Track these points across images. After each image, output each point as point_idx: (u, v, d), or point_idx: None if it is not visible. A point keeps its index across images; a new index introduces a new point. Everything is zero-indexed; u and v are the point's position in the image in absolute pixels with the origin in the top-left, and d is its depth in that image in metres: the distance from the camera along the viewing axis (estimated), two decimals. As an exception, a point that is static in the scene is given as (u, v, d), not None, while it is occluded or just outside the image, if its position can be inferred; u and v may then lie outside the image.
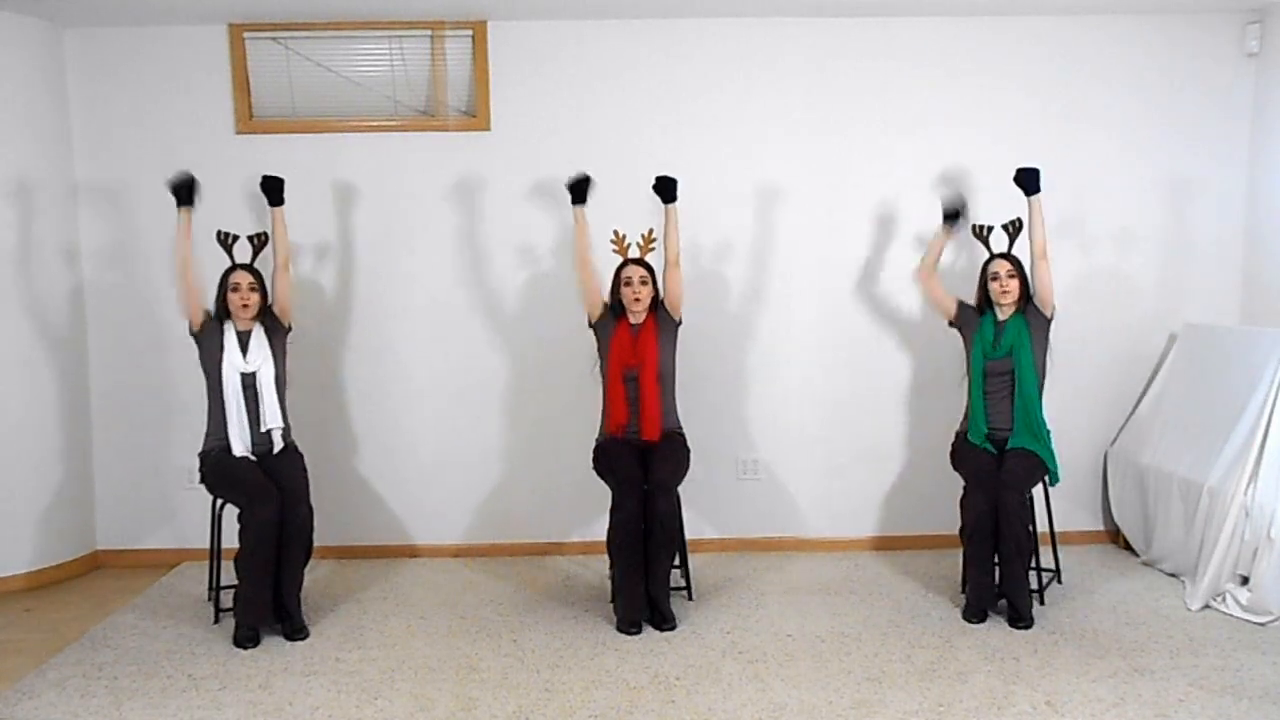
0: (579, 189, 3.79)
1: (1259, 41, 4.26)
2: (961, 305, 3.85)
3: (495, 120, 4.31)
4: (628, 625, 3.48)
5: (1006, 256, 3.72)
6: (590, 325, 3.81)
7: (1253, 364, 3.72)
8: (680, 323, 3.81)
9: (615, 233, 3.85)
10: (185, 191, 3.63)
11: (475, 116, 4.31)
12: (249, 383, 3.60)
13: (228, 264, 3.68)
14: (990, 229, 3.89)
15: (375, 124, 4.30)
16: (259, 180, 3.76)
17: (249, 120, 4.29)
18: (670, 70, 4.30)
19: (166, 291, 4.33)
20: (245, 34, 4.24)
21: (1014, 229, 3.81)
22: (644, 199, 4.31)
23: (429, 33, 4.26)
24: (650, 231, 3.84)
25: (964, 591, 3.65)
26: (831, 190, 4.36)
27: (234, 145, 4.29)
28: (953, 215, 3.82)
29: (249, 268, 3.67)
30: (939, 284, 3.91)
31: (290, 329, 3.79)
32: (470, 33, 4.26)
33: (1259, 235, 4.32)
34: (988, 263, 3.76)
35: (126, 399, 4.36)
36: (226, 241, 3.77)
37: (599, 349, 3.79)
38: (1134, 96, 4.34)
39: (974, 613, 3.55)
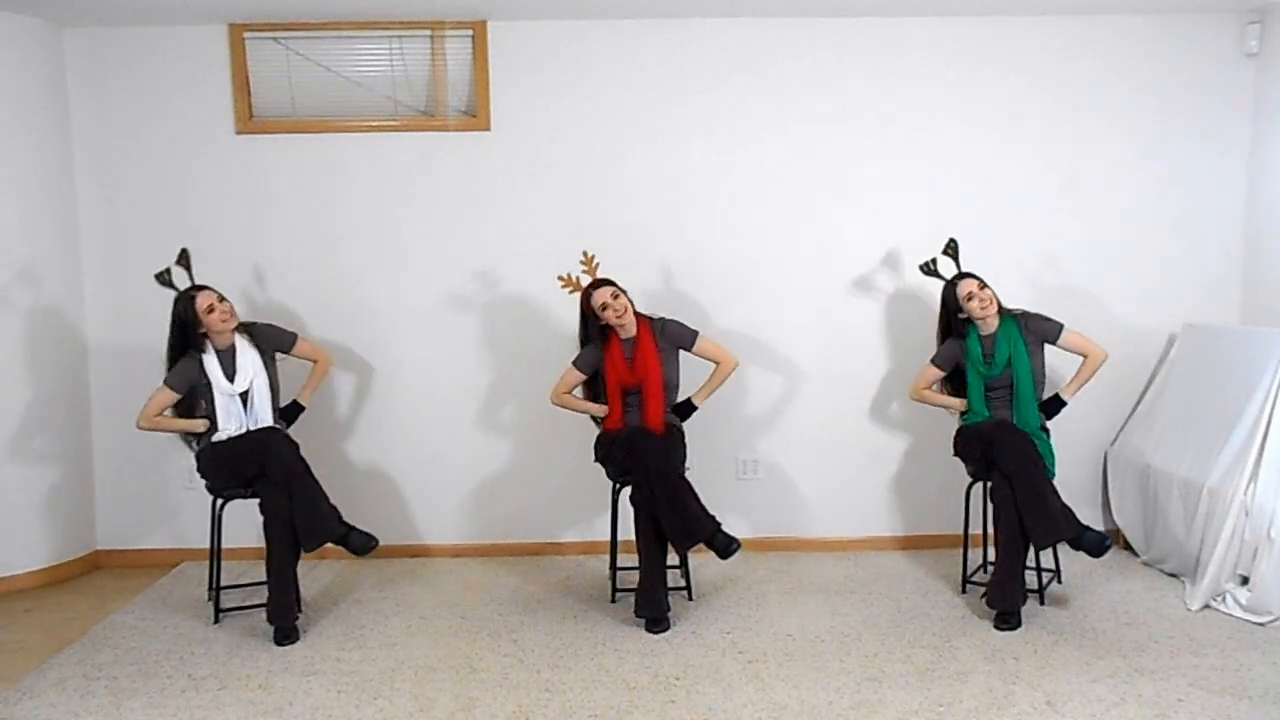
0: None
1: (1259, 41, 4.26)
2: (939, 363, 3.81)
3: (495, 120, 4.31)
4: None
5: (968, 275, 3.69)
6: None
7: (1253, 364, 3.72)
8: (695, 340, 3.81)
9: (585, 253, 3.82)
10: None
11: (475, 116, 4.31)
12: (244, 399, 3.62)
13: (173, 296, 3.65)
14: (935, 261, 3.90)
15: (375, 124, 4.30)
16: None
17: (249, 120, 4.29)
18: (670, 70, 4.30)
19: (166, 291, 4.32)
20: (245, 34, 4.24)
21: (952, 250, 3.87)
22: (643, 199, 4.34)
23: (429, 33, 4.26)
24: (592, 256, 3.81)
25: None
26: (832, 190, 4.36)
27: (234, 145, 4.29)
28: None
29: (207, 287, 3.61)
30: (930, 393, 3.87)
31: (295, 338, 3.84)
32: (470, 33, 4.26)
33: (1259, 235, 4.31)
34: (953, 288, 3.69)
35: (126, 399, 4.35)
36: (166, 277, 3.68)
37: (599, 374, 3.81)
38: (1133, 96, 4.33)
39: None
